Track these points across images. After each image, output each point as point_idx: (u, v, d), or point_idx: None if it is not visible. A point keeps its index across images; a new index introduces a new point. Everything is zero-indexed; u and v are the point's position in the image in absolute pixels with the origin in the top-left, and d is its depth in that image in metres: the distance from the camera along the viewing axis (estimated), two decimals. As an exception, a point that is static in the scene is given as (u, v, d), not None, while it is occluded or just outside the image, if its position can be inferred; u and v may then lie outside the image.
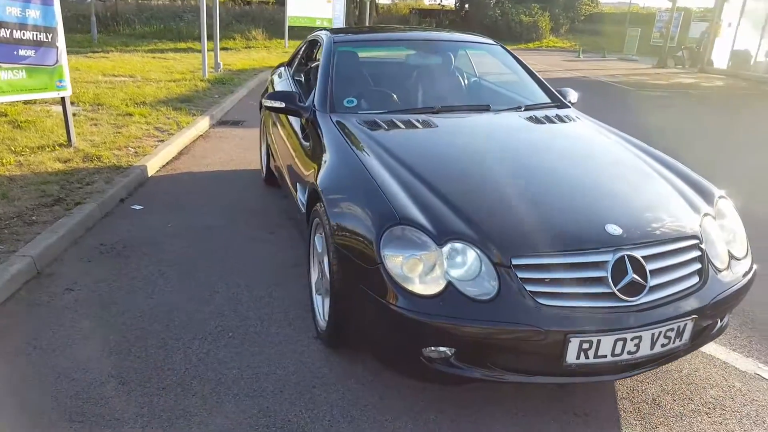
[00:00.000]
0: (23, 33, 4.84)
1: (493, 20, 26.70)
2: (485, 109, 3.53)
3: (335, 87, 3.47)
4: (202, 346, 2.68)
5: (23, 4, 4.78)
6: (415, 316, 2.02)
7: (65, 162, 5.07)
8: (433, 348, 2.09)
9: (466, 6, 31.36)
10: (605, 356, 2.04)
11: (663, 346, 2.10)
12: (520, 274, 2.05)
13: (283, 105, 3.41)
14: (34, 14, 4.89)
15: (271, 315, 2.97)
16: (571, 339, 1.98)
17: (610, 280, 2.07)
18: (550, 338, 1.99)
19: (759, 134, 8.60)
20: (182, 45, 16.83)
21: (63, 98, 5.37)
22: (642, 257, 2.13)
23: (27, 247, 3.41)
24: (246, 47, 17.95)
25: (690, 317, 2.11)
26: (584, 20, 30.58)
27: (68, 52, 5.35)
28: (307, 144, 3.28)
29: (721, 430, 2.27)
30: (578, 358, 2.02)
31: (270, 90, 4.88)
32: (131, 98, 8.00)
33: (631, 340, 2.04)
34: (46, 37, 5.03)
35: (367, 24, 22.17)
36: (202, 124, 7.12)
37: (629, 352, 2.06)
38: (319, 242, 2.74)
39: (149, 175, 5.20)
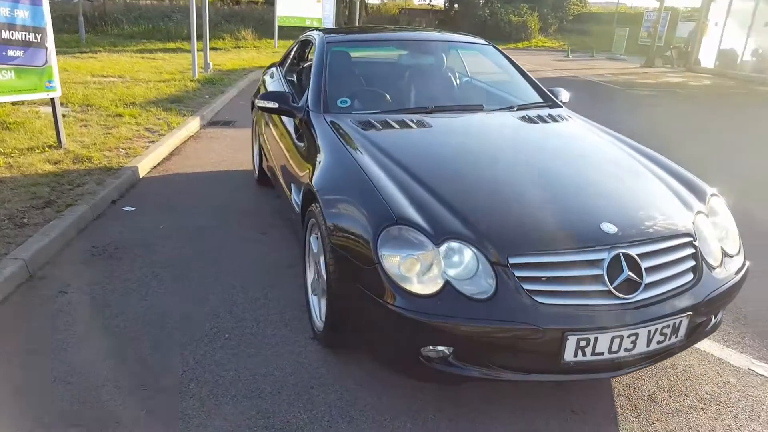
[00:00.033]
0: (12, 33, 4.79)
1: (482, 20, 26.77)
2: (478, 108, 3.55)
3: (329, 87, 3.47)
4: (199, 348, 2.67)
5: (12, 4, 4.73)
6: (413, 316, 2.03)
7: (55, 163, 5.02)
8: (431, 347, 2.10)
9: (456, 6, 31.43)
10: (602, 353, 2.05)
11: (659, 343, 2.12)
12: (517, 273, 2.06)
13: (276, 105, 3.41)
14: (22, 14, 4.84)
15: (267, 316, 2.96)
16: (568, 337, 2.00)
17: (606, 278, 2.08)
18: (547, 336, 2.01)
19: (748, 133, 8.69)
20: (171, 45, 16.73)
21: (52, 99, 5.32)
22: (637, 255, 2.15)
23: (18, 249, 3.38)
24: (235, 47, 17.88)
25: (685, 314, 2.14)
26: (573, 20, 30.75)
27: (56, 53, 5.29)
28: (301, 144, 3.27)
29: (717, 425, 2.29)
30: (576, 355, 2.03)
31: (262, 90, 4.86)
32: (121, 99, 7.95)
33: (628, 337, 2.05)
34: (35, 38, 4.98)
35: (357, 24, 22.16)
36: (193, 124, 7.09)
37: (626, 350, 2.07)
38: (314, 243, 2.74)
39: (140, 177, 5.17)
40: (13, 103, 6.58)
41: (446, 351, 2.10)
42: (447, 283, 2.06)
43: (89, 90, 8.45)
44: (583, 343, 2.02)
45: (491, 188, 2.53)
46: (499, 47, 4.37)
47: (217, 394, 2.36)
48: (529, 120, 3.40)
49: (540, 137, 3.24)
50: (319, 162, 2.83)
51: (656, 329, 2.09)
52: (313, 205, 2.68)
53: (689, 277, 2.24)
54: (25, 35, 4.90)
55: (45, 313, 2.93)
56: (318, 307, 2.72)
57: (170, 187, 4.99)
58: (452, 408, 2.33)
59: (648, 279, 2.12)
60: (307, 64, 4.46)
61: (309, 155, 3.04)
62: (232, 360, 2.59)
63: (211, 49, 13.06)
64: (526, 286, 2.05)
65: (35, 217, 3.88)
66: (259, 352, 2.66)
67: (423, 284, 2.06)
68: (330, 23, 19.14)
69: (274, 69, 5.16)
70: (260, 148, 4.80)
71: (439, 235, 2.13)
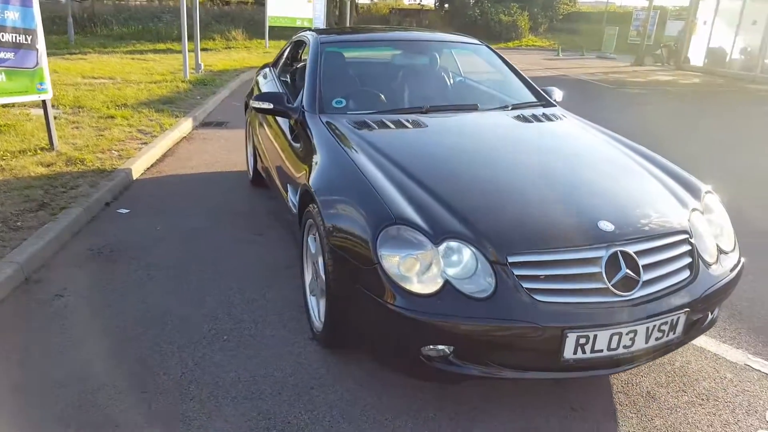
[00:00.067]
0: (2, 35, 4.75)
1: (472, 20, 26.80)
2: (473, 108, 3.56)
3: (324, 88, 3.47)
4: (197, 350, 2.66)
5: (2, 6, 4.69)
6: (413, 315, 2.03)
7: (48, 166, 4.99)
8: (431, 346, 2.10)
9: (446, 6, 31.46)
10: (601, 351, 2.07)
11: (657, 339, 2.14)
12: (516, 272, 2.07)
13: (271, 106, 3.40)
14: (12, 16, 4.81)
15: (265, 317, 2.96)
16: (568, 334, 2.01)
17: (604, 275, 2.10)
18: (547, 334, 2.02)
19: (737, 131, 8.77)
20: (161, 46, 16.64)
21: (44, 101, 5.28)
22: (634, 252, 2.16)
23: (13, 253, 3.36)
24: (226, 48, 17.81)
25: (682, 310, 2.15)
26: (563, 19, 30.86)
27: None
28: (297, 145, 3.27)
29: (715, 420, 2.32)
30: (575, 353, 2.04)
31: (256, 91, 4.86)
32: (112, 100, 7.90)
33: (627, 334, 2.07)
34: (26, 39, 4.95)
35: (347, 24, 22.13)
36: (185, 125, 7.05)
37: (625, 346, 2.09)
38: (312, 243, 2.74)
39: (134, 179, 5.14)
40: (3, 106, 6.53)
41: (446, 350, 2.11)
42: (446, 283, 2.07)
43: (80, 92, 8.40)
44: (582, 341, 2.03)
45: (489, 187, 2.54)
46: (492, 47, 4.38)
47: (218, 396, 2.35)
48: (524, 119, 3.41)
49: (535, 136, 3.25)
50: (316, 163, 2.83)
51: (654, 326, 2.10)
52: (310, 206, 2.67)
53: (686, 274, 2.26)
54: (16, 37, 4.86)
55: (41, 317, 2.91)
56: (316, 307, 2.73)
57: (164, 189, 4.97)
58: (453, 406, 2.34)
59: (646, 276, 2.14)
60: (301, 64, 4.45)
61: (305, 156, 3.04)
62: (232, 361, 2.58)
63: (202, 49, 13.00)
64: (525, 285, 2.06)
65: (29, 220, 3.85)
66: (259, 353, 2.66)
67: (423, 284, 2.07)
68: (321, 23, 19.10)
69: (267, 70, 5.15)
70: (254, 149, 4.80)
71: (438, 234, 2.13)
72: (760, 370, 2.64)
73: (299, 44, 4.62)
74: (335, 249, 2.33)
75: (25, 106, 6.86)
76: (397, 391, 2.41)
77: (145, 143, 5.99)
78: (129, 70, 11.16)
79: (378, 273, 2.11)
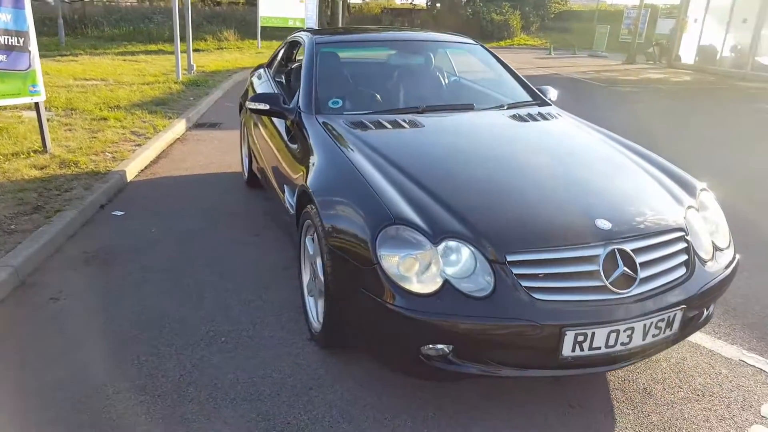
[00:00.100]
0: (-6, 37, 4.73)
1: (464, 19, 26.88)
2: (469, 108, 3.57)
3: (319, 88, 3.47)
4: (195, 352, 2.66)
5: (-6, 8, 4.67)
6: (413, 315, 2.04)
7: (41, 169, 4.96)
8: (431, 345, 2.11)
9: (438, 5, 31.51)
10: (599, 348, 2.08)
11: (654, 336, 2.16)
12: (515, 270, 2.08)
13: (267, 107, 3.40)
14: (4, 18, 4.78)
15: (263, 318, 2.96)
16: (566, 332, 2.02)
17: (601, 273, 2.11)
18: (546, 332, 2.03)
19: (728, 128, 8.83)
20: (153, 47, 16.57)
21: (37, 104, 5.25)
22: (631, 250, 2.18)
23: (8, 256, 3.34)
24: (218, 48, 17.75)
25: (679, 307, 2.17)
26: (554, 18, 31.00)
27: (39, 56, 5.23)
28: (294, 146, 3.27)
29: (711, 415, 2.34)
30: (574, 350, 2.06)
31: (250, 92, 4.85)
32: (105, 102, 7.87)
33: (624, 331, 2.09)
34: (18, 41, 4.91)
35: (339, 24, 22.12)
36: (179, 127, 7.03)
37: (622, 343, 2.10)
38: (310, 244, 2.74)
39: (128, 180, 5.13)
40: (-5, 108, 6.49)
41: (446, 349, 2.12)
42: (446, 282, 2.07)
43: (72, 93, 8.36)
44: (580, 338, 2.04)
45: (486, 187, 2.55)
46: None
47: (216, 398, 2.35)
48: (519, 118, 3.43)
49: (531, 135, 3.27)
50: (313, 163, 2.83)
51: (651, 323, 2.12)
52: (308, 206, 2.68)
53: (682, 271, 2.28)
54: (8, 39, 4.83)
55: (37, 321, 2.90)
56: (315, 308, 2.73)
57: (159, 191, 4.95)
58: (452, 405, 2.35)
59: (643, 274, 2.16)
60: (296, 65, 4.46)
61: (302, 157, 3.04)
62: (230, 363, 2.58)
63: (194, 50, 12.97)
64: (524, 283, 2.07)
65: (24, 224, 3.83)
66: (257, 354, 2.66)
67: (422, 283, 2.08)
68: (312, 23, 19.08)
69: (261, 70, 5.14)
70: (249, 149, 4.79)
71: (436, 234, 2.14)
72: (754, 366, 2.67)
73: (294, 45, 4.62)
74: (334, 249, 2.34)
75: (16, 108, 6.82)
76: (396, 390, 2.42)
77: (139, 145, 5.96)
78: (121, 72, 11.12)
79: (377, 273, 2.11)
